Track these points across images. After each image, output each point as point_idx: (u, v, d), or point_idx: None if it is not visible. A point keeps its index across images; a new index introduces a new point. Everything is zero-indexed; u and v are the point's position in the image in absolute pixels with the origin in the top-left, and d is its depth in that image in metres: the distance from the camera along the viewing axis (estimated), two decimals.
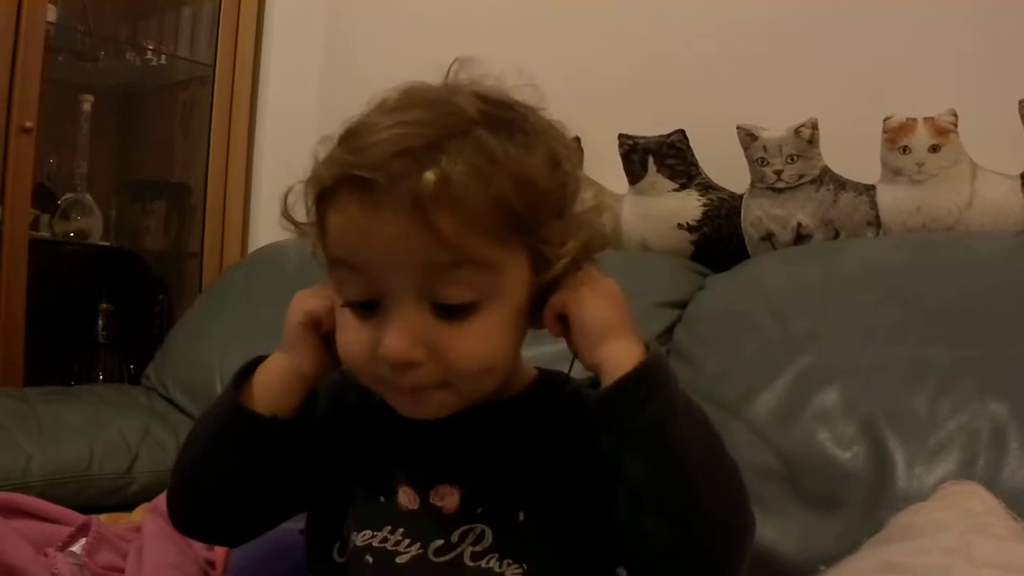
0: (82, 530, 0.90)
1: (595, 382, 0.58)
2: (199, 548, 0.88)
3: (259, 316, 1.56)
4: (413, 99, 0.57)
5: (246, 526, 0.68)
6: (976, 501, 0.71)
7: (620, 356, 0.56)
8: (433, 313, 0.55)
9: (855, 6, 1.36)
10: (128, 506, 1.14)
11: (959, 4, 1.28)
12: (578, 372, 0.61)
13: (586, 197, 0.62)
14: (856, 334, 0.98)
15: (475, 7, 1.75)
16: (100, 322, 2.06)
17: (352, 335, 0.58)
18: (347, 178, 0.54)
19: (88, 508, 1.00)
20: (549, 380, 0.65)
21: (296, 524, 0.72)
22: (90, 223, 2.02)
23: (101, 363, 2.05)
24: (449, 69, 0.60)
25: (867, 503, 0.85)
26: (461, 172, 0.53)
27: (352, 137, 0.56)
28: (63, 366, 2.00)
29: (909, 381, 0.91)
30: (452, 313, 0.55)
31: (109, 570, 0.86)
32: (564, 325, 0.59)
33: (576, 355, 0.59)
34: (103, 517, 0.96)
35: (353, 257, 0.56)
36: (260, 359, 0.65)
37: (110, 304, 2.08)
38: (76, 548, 0.88)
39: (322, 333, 0.63)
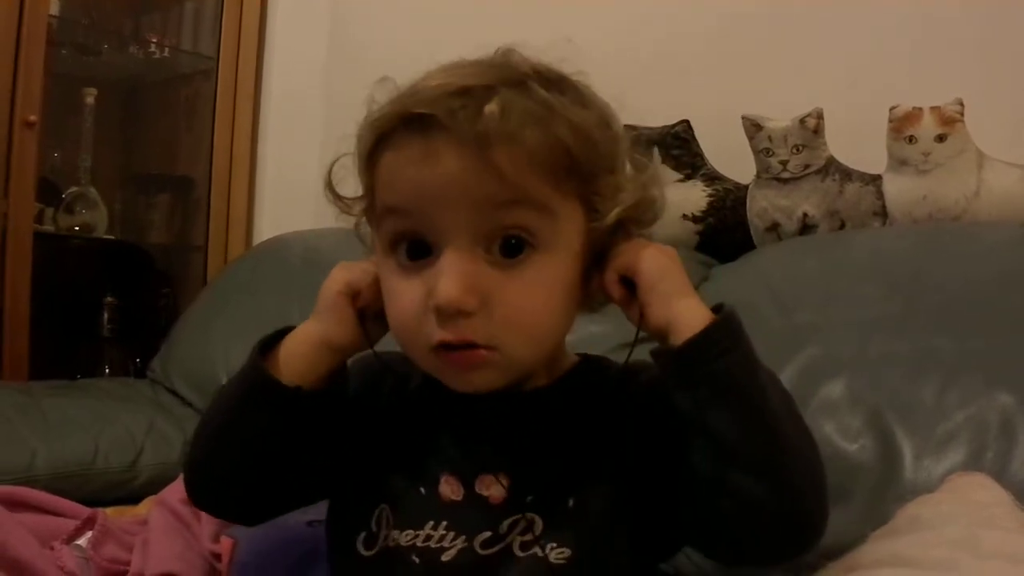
0: (88, 523, 0.90)
1: (634, 367, 0.59)
2: (205, 541, 0.88)
3: (264, 309, 1.56)
4: (465, 61, 0.58)
5: (263, 503, 0.66)
6: (984, 493, 0.70)
7: (694, 311, 0.55)
8: (488, 261, 0.55)
9: None
10: (133, 499, 1.13)
11: None
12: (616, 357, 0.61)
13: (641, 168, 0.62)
14: (862, 325, 0.98)
15: None
16: (105, 316, 2.06)
17: (401, 290, 0.57)
18: (404, 117, 0.54)
19: (93, 501, 1.00)
20: (592, 364, 0.65)
21: (303, 516, 0.71)
22: (94, 217, 2.02)
23: (106, 357, 2.04)
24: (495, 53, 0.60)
25: (874, 495, 0.85)
26: (519, 110, 0.53)
27: (406, 89, 0.57)
28: (68, 360, 2.00)
29: (916, 372, 0.91)
30: (508, 256, 0.55)
31: (114, 563, 0.86)
32: (627, 289, 0.58)
33: (640, 318, 0.57)
34: (109, 510, 0.97)
35: (407, 200, 0.55)
36: (287, 329, 0.63)
37: (115, 298, 2.08)
38: (82, 541, 0.88)
39: (358, 307, 0.62)
